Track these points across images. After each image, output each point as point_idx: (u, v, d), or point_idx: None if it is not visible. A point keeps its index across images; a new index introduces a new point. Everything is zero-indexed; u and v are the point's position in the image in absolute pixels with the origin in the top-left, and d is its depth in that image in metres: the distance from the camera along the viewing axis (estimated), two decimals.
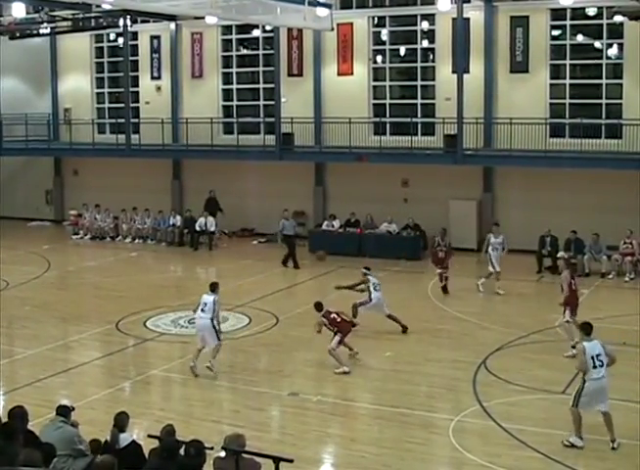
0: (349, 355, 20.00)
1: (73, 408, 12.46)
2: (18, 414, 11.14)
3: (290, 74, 37.07)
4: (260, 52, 38.65)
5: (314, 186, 37.41)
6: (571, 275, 20.84)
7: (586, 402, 14.71)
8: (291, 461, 9.97)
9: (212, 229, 35.94)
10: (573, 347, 18.75)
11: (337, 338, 19.49)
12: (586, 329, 15.13)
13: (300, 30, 35.98)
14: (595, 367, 14.61)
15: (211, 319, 19.10)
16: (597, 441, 14.88)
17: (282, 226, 32.80)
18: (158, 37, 40.22)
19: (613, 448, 14.60)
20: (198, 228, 36.04)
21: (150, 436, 11.50)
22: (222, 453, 10.62)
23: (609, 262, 29.95)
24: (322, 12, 29.65)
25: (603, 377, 14.71)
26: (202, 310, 19.21)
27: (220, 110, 39.50)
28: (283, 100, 35.96)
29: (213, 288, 19.60)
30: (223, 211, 36.94)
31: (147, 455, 11.25)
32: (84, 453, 11.37)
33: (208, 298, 19.30)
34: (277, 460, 9.81)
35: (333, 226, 34.71)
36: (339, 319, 19.78)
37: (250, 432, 12.70)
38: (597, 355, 14.65)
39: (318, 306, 20.15)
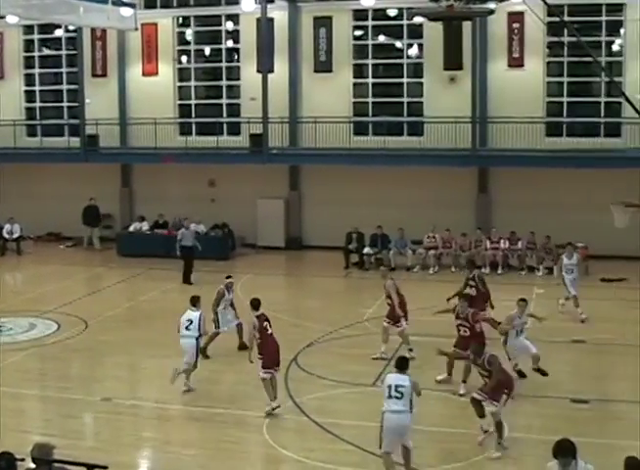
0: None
1: None
2: None
3: (94, 75, 36.51)
4: (64, 52, 37.84)
5: (121, 187, 37.02)
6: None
7: None
8: (105, 468, 9.88)
9: (17, 235, 34.91)
10: (411, 349, 19.22)
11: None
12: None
13: (104, 30, 35.43)
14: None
15: (197, 338, 18.10)
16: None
17: (181, 236, 29.35)
18: None
19: None
20: (7, 235, 34.94)
21: None
22: (32, 465, 10.40)
23: (413, 256, 30.90)
24: (126, 12, 29.39)
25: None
26: (186, 328, 18.12)
27: (23, 111, 38.53)
28: (87, 101, 35.41)
29: (194, 302, 18.44)
30: (102, 222, 36.05)
31: None
32: None
33: (194, 314, 18.19)
34: (91, 468, 9.70)
35: (141, 228, 34.39)
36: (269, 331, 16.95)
37: (63, 440, 12.49)
38: None
39: (255, 302, 17.26)
